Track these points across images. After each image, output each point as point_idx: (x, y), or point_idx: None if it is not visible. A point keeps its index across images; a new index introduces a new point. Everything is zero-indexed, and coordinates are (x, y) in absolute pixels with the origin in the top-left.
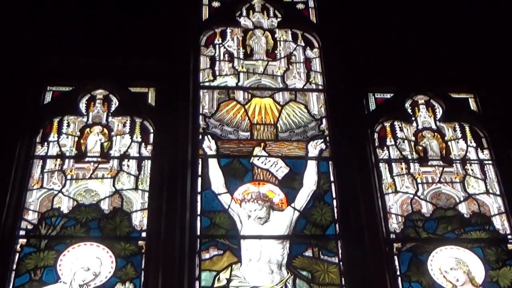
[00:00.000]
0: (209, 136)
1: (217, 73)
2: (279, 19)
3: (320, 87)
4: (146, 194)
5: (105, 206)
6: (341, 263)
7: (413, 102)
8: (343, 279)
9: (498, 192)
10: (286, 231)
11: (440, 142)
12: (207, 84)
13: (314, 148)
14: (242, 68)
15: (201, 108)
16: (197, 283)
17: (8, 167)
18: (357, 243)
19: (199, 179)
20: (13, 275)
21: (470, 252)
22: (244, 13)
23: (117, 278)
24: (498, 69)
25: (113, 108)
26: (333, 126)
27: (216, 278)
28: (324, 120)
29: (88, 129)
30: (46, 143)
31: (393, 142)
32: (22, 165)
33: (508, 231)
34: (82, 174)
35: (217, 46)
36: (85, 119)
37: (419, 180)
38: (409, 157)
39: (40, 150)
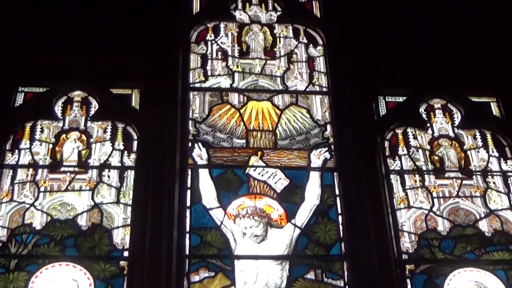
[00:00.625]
0: (199, 144)
1: (209, 73)
2: (278, 13)
3: (325, 89)
4: (129, 209)
5: (82, 221)
6: (347, 286)
7: (429, 106)
8: None
9: None
10: (286, 250)
11: (458, 151)
12: (197, 85)
13: (318, 157)
14: (237, 67)
15: (191, 112)
16: None
17: None
18: (365, 265)
19: (188, 192)
20: None
21: (492, 275)
22: (240, 6)
23: None
24: None
25: (92, 112)
26: (338, 133)
27: None
28: (328, 126)
29: (64, 135)
30: (17, 151)
31: (405, 151)
32: None
33: None
34: (57, 186)
35: (209, 42)
36: (60, 124)
37: (434, 194)
38: (424, 168)
39: (10, 159)
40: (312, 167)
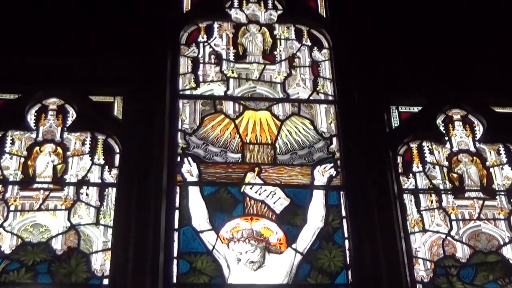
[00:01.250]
0: (189, 158)
1: (200, 79)
2: (279, 12)
3: (330, 98)
4: (110, 231)
5: (57, 245)
6: None
7: (447, 117)
8: None
9: None
10: (286, 279)
11: (480, 168)
12: (188, 92)
13: (322, 174)
14: (233, 73)
15: (180, 122)
16: None
17: None
18: None
19: (177, 212)
20: None
21: None
22: (236, 3)
23: None
24: None
25: (69, 122)
26: (346, 147)
27: None
28: (334, 140)
29: (37, 148)
30: None
31: (421, 168)
32: None
33: None
34: (29, 205)
35: (201, 45)
36: (34, 135)
37: (453, 216)
38: (441, 187)
39: None
40: (315, 185)
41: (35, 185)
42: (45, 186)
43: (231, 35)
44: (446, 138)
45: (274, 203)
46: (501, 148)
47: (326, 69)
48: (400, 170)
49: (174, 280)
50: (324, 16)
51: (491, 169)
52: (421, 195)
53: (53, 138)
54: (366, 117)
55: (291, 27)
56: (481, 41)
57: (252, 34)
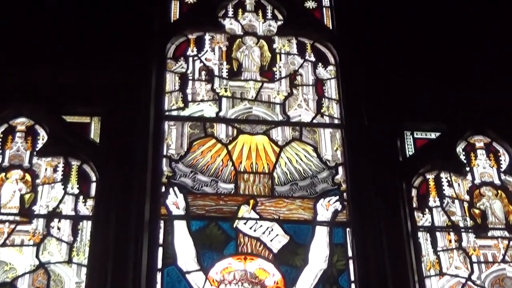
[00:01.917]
0: (175, 189)
1: (189, 97)
2: (279, 23)
3: (336, 121)
4: (84, 270)
5: (24, 285)
6: None
7: (468, 145)
8: None
9: None
10: None
11: (505, 203)
12: (174, 113)
13: (326, 209)
14: (226, 91)
15: (166, 147)
16: None
17: None
18: None
19: (160, 250)
20: None
21: None
22: (230, 12)
23: None
24: None
25: (39, 145)
26: (353, 178)
27: None
28: (340, 169)
29: (2, 175)
30: None
31: (438, 203)
32: None
33: None
34: None
35: (190, 59)
36: None
37: (474, 258)
38: (461, 224)
39: None
40: (318, 221)
41: (0, 217)
42: (11, 218)
43: (224, 48)
44: (468, 169)
45: (271, 240)
46: None
47: (332, 89)
48: (414, 205)
49: None
50: (331, 27)
51: None
52: (438, 234)
53: (21, 163)
54: (376, 144)
55: (293, 40)
56: (510, 63)
57: (248, 47)
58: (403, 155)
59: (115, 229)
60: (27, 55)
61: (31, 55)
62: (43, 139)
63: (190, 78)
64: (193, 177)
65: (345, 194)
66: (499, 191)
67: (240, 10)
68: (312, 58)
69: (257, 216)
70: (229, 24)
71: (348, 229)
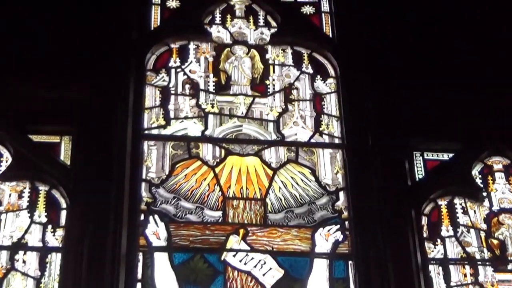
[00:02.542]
0: (156, 217)
1: (171, 114)
2: (273, 30)
3: (337, 141)
4: None
5: None
6: None
7: (485, 167)
8: None
9: None
10: None
11: None
12: (155, 132)
13: (325, 239)
14: (213, 107)
15: (145, 170)
16: None
17: None
18: None
19: (139, 286)
20: None
21: None
22: (218, 19)
23: None
24: None
25: (3, 168)
26: (356, 205)
27: None
28: (342, 194)
29: None
30: None
31: (451, 232)
32: None
33: None
34: None
35: (173, 71)
36: None
37: None
38: (478, 256)
39: None
40: (317, 253)
41: None
42: None
43: (211, 59)
44: (485, 194)
45: (263, 275)
46: None
47: (332, 104)
48: (425, 235)
49: None
50: (331, 36)
51: None
52: (451, 267)
53: None
54: (382, 166)
55: (288, 49)
56: None
57: (238, 58)
58: (412, 178)
59: (87, 263)
60: None
61: None
62: (6, 161)
63: (173, 92)
64: (175, 203)
65: (346, 222)
66: None
67: (228, 16)
68: (310, 70)
69: (248, 248)
70: (216, 31)
71: (350, 262)
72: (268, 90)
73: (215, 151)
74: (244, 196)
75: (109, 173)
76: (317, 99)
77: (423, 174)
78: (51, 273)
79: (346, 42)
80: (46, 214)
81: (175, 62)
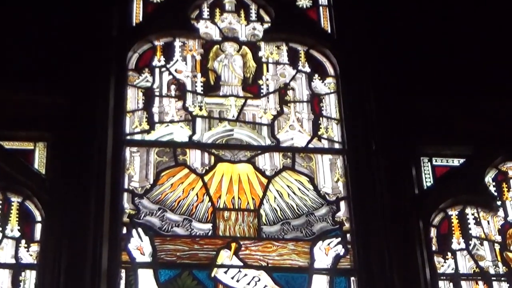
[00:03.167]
0: (140, 230)
1: (156, 118)
2: (266, 25)
3: (337, 146)
4: None
5: None
6: None
7: (500, 174)
8: None
9: None
10: None
11: None
12: (138, 137)
13: (325, 253)
14: (201, 110)
15: (127, 179)
16: None
17: None
18: None
19: None
20: None
21: None
22: (206, 13)
23: None
24: None
25: None
26: (358, 215)
27: None
28: (342, 204)
29: None
30: None
31: (463, 245)
32: None
33: None
34: None
35: (157, 70)
36: None
37: None
38: (492, 271)
39: None
40: (316, 269)
41: None
42: None
43: (198, 57)
44: (499, 203)
45: None
46: None
47: (331, 106)
48: (434, 248)
49: None
50: (329, 31)
51: None
52: (463, 283)
53: None
54: (386, 173)
55: (283, 46)
56: None
57: (228, 56)
58: (420, 186)
59: (65, 281)
60: None
61: None
62: None
63: (157, 94)
64: (161, 215)
65: (348, 235)
66: None
67: (217, 11)
68: (307, 69)
69: (241, 263)
70: (204, 27)
71: (352, 278)
72: (262, 91)
73: (204, 158)
74: (236, 207)
75: (88, 182)
76: (315, 100)
77: (432, 182)
78: None
79: (346, 38)
80: (19, 228)
81: (159, 61)
